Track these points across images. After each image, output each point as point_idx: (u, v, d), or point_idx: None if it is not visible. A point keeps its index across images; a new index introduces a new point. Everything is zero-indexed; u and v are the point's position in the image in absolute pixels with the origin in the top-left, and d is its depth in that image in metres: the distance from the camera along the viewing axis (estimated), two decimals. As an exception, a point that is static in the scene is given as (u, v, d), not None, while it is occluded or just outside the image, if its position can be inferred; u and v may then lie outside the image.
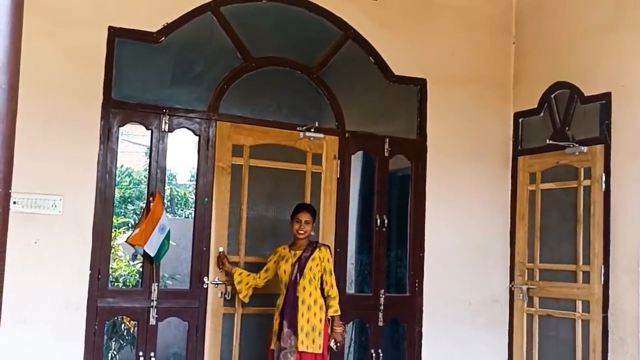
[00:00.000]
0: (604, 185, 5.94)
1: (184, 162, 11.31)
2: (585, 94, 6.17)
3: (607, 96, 5.96)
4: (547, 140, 6.39)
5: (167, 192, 12.11)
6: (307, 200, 6.00)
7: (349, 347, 7.45)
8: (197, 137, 5.72)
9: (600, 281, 5.89)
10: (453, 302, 6.53)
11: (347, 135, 6.23)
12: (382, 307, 6.27)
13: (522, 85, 6.88)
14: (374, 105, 6.67)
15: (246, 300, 5.53)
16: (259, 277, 5.48)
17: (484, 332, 6.65)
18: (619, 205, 5.82)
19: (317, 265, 5.36)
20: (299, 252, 5.39)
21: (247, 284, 5.47)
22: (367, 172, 6.84)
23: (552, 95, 6.51)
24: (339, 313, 5.40)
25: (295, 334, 5.19)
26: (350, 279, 6.90)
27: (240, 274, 5.50)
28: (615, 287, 5.78)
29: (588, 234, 6.04)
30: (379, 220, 6.35)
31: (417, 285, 6.44)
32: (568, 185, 6.31)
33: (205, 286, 5.59)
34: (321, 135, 6.06)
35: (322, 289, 5.36)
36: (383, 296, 6.29)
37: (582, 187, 6.16)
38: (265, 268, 5.48)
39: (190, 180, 12.25)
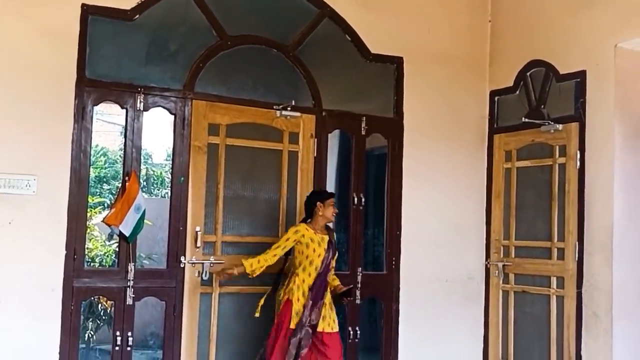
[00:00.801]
0: (578, 163, 5.99)
1: (160, 141, 11.21)
2: (561, 72, 6.20)
3: (582, 74, 5.99)
4: (523, 119, 6.42)
5: (143, 172, 12.01)
6: (284, 179, 6.01)
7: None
8: (172, 116, 5.68)
9: (575, 258, 5.96)
10: (429, 280, 6.58)
11: (323, 113, 6.21)
12: (359, 285, 6.29)
13: (498, 63, 6.90)
14: (351, 83, 6.65)
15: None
16: (271, 258, 5.42)
17: (460, 309, 6.71)
18: (593, 183, 5.88)
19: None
20: (325, 237, 5.53)
21: (261, 267, 5.39)
22: (344, 150, 6.84)
23: (528, 74, 6.54)
24: None
25: (319, 316, 5.40)
26: (327, 258, 6.92)
27: (252, 264, 5.36)
28: (589, 263, 5.85)
29: (563, 211, 6.10)
30: (356, 199, 6.36)
31: (394, 263, 6.48)
32: (543, 163, 6.36)
33: (182, 265, 5.58)
34: (298, 114, 6.04)
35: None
36: (360, 274, 6.31)
37: (557, 165, 6.21)
38: (282, 246, 5.44)
39: (167, 160, 12.18)
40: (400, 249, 6.49)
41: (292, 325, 5.35)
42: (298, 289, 5.39)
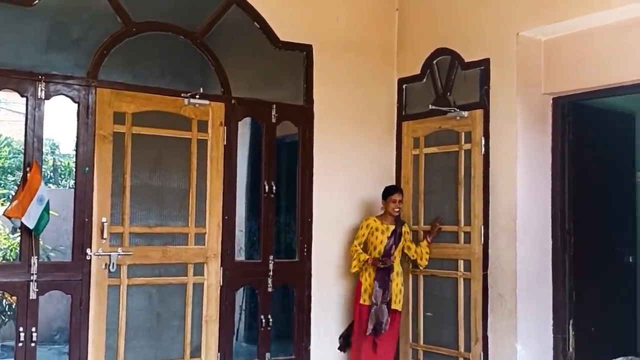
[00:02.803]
0: (483, 149, 6.14)
1: (66, 130, 10.92)
2: (466, 60, 6.33)
3: (485, 62, 6.14)
4: (430, 106, 6.54)
5: (50, 162, 11.70)
6: (194, 168, 5.93)
7: (240, 314, 7.48)
8: (76, 105, 5.52)
9: (481, 241, 6.12)
10: (341, 266, 6.63)
11: (233, 101, 6.16)
12: (271, 273, 6.29)
13: (405, 51, 7.00)
14: (261, 71, 6.61)
15: None
16: (354, 250, 6.39)
17: (371, 294, 6.78)
18: (497, 168, 6.04)
19: (404, 239, 6.40)
20: (391, 227, 6.35)
21: (354, 259, 6.38)
22: (255, 138, 6.82)
23: (434, 62, 6.66)
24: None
25: (388, 294, 6.21)
26: (239, 246, 6.90)
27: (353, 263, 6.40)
28: (494, 246, 6.02)
29: (469, 196, 6.25)
30: (267, 187, 6.34)
31: (305, 250, 6.50)
32: (450, 149, 6.48)
33: (88, 258, 5.45)
34: (206, 102, 5.97)
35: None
36: (272, 262, 6.30)
37: (463, 151, 6.35)
38: (362, 241, 6.39)
39: (75, 150, 11.86)
40: (312, 236, 6.52)
41: (362, 301, 6.27)
42: (365, 271, 6.30)
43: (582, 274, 6.08)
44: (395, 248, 6.35)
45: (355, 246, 6.41)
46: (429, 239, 6.45)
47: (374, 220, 6.42)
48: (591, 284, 6.12)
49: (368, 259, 6.29)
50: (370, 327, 6.20)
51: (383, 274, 6.26)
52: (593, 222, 6.23)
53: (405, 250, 6.45)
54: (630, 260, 6.76)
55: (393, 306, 6.26)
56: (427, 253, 6.43)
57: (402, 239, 6.41)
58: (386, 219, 6.42)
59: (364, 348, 6.29)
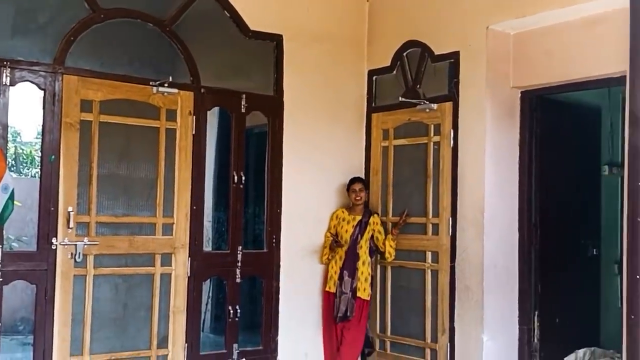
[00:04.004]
0: (452, 142, 6.17)
1: (30, 118, 10.73)
2: (436, 53, 6.35)
3: (455, 55, 6.16)
4: (400, 98, 6.55)
5: (12, 150, 11.51)
6: (162, 158, 5.87)
7: (207, 304, 7.44)
8: (42, 92, 5.41)
9: (449, 233, 6.15)
10: (309, 257, 6.63)
11: (202, 90, 6.10)
12: (239, 264, 6.26)
13: (375, 43, 7.00)
14: (230, 60, 6.56)
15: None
16: (325, 239, 6.63)
17: (339, 285, 6.79)
18: (465, 161, 6.07)
19: (371, 229, 6.49)
20: (358, 217, 6.54)
21: (324, 248, 6.63)
22: (224, 128, 6.76)
23: (405, 54, 6.66)
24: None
25: (354, 282, 6.38)
26: (207, 237, 6.86)
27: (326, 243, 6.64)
28: (462, 238, 6.06)
29: (437, 188, 6.29)
30: (236, 177, 6.30)
31: (274, 240, 6.48)
32: (419, 141, 6.51)
33: (53, 247, 5.36)
34: (175, 91, 5.90)
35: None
36: (240, 253, 6.27)
37: (432, 143, 6.38)
38: (329, 229, 6.65)
39: (37, 138, 11.66)
40: (280, 227, 6.50)
41: (328, 288, 6.53)
42: (332, 259, 6.55)
43: (547, 266, 6.15)
44: (361, 238, 6.46)
45: (327, 236, 6.62)
46: (394, 232, 6.48)
47: (342, 211, 6.64)
48: (556, 276, 6.20)
49: (331, 241, 6.56)
50: (338, 314, 6.40)
51: (350, 262, 6.40)
52: (559, 216, 6.30)
53: (375, 241, 6.53)
54: (594, 252, 6.87)
55: (359, 294, 6.37)
56: (391, 247, 6.48)
57: (370, 229, 6.49)
58: (354, 210, 6.59)
59: (329, 335, 6.53)
